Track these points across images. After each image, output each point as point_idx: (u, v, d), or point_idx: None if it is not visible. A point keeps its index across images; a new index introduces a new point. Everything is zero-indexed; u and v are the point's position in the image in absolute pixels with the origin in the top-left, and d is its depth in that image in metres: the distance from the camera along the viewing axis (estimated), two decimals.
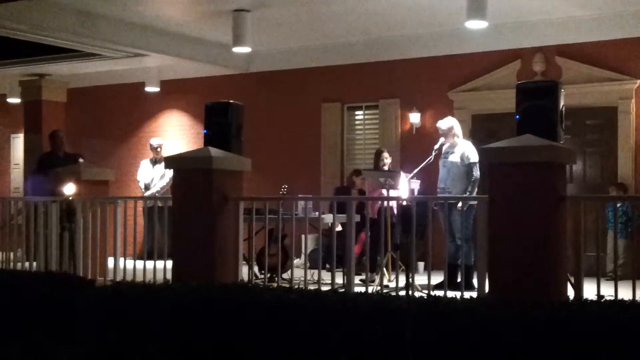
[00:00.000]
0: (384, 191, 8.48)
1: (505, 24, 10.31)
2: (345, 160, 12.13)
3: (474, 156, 8.28)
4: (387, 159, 9.52)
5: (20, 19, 9.90)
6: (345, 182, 11.45)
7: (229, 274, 6.90)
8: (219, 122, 7.81)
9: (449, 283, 6.86)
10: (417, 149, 10.43)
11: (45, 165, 10.00)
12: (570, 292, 5.96)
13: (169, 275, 7.08)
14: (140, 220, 8.86)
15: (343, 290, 6.39)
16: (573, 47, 10.32)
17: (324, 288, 6.18)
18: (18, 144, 14.90)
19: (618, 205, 8.87)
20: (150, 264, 7.80)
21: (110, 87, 13.83)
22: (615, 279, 6.06)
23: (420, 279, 7.99)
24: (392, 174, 8.62)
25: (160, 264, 7.70)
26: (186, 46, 11.70)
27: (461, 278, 6.85)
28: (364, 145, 12.04)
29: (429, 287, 6.55)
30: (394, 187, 8.24)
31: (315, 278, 7.30)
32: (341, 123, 12.12)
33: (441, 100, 11.13)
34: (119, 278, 7.63)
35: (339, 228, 8.97)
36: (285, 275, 8.38)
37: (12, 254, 8.75)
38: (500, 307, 4.71)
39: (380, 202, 8.45)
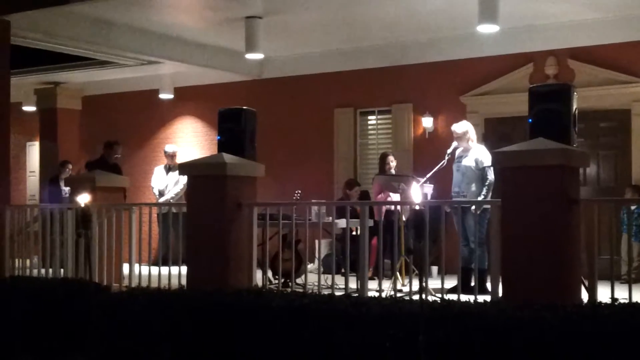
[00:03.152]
0: (392, 195, 8.48)
1: (517, 28, 10.29)
2: (358, 165, 12.14)
3: (487, 160, 8.28)
4: (392, 162, 9.54)
5: (35, 27, 9.97)
6: (341, 195, 10.94)
7: (243, 279, 6.93)
8: (232, 128, 7.84)
9: (463, 287, 6.85)
10: (430, 153, 10.43)
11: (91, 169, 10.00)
12: (585, 295, 5.95)
13: (183, 281, 7.11)
14: (155, 227, 8.88)
15: (357, 295, 6.41)
16: (586, 50, 10.28)
17: (338, 293, 6.20)
18: (33, 151, 15.00)
19: (632, 207, 8.84)
20: (165, 269, 7.84)
21: (125, 95, 13.92)
22: (630, 281, 6.05)
23: (433, 283, 7.99)
24: (405, 178, 8.63)
25: (175, 269, 7.73)
26: (199, 53, 11.77)
27: (475, 282, 6.85)
28: (377, 150, 12.01)
29: (442, 291, 6.55)
30: (406, 191, 8.24)
31: (329, 283, 7.31)
32: (354, 128, 12.13)
33: (454, 104, 11.12)
34: (134, 284, 7.67)
35: (343, 225, 8.90)
36: (299, 280, 8.40)
37: (28, 261, 8.81)
38: (514, 311, 4.71)
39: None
